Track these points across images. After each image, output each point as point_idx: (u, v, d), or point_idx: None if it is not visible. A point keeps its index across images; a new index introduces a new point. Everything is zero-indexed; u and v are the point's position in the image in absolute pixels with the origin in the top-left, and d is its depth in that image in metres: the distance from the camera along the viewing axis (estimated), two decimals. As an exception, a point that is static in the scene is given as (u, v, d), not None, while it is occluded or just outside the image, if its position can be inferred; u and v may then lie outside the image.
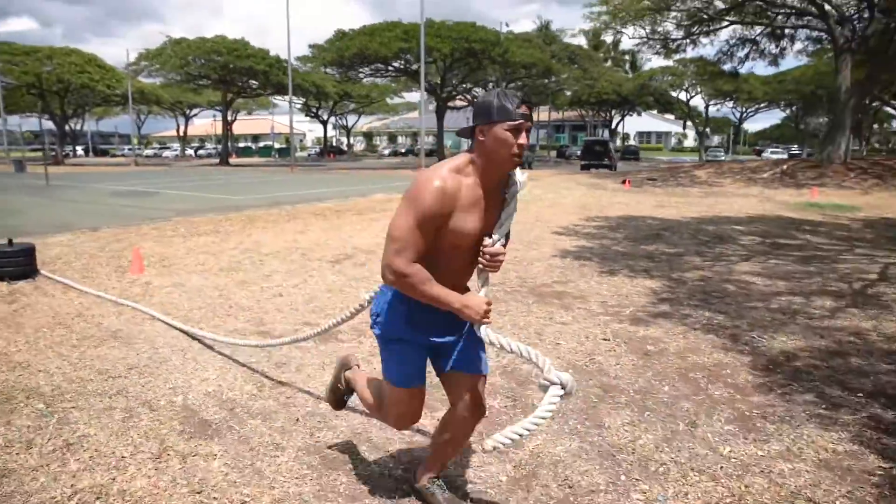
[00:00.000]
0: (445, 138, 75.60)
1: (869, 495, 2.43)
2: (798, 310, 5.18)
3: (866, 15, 22.77)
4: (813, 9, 24.00)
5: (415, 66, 29.47)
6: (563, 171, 32.07)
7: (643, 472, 2.57)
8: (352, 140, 78.31)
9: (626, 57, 60.97)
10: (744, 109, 68.86)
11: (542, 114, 63.08)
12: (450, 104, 39.82)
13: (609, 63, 57.34)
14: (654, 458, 2.70)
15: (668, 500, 2.35)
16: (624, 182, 21.24)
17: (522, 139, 1.86)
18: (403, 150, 63.52)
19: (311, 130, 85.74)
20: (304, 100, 53.01)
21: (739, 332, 4.54)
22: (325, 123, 58.74)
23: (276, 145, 64.90)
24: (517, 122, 1.84)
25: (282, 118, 69.49)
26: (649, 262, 7.18)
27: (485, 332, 1.94)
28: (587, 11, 27.25)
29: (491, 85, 41.21)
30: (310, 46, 37.84)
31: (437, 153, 39.75)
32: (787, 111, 68.77)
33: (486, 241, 1.97)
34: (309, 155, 66.13)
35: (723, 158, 43.24)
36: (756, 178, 21.16)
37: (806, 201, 15.62)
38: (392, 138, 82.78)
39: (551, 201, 14.81)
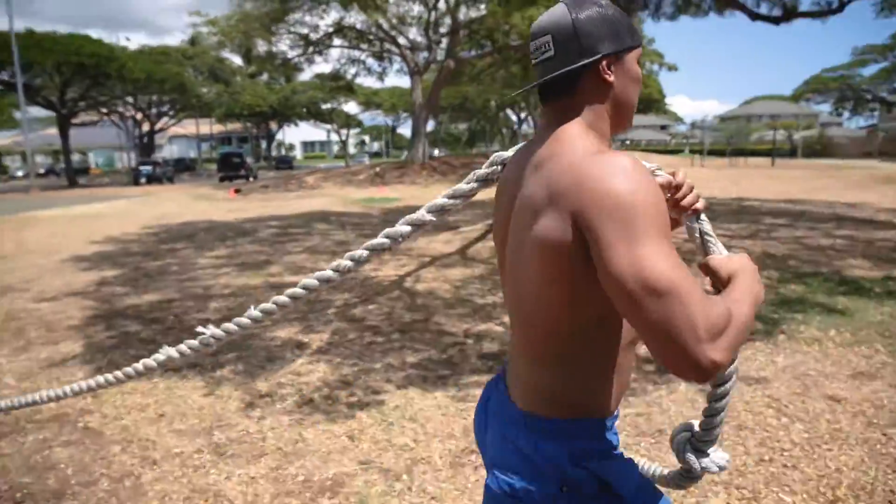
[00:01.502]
0: (97, 155, 69.87)
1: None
2: (177, 271, 7.58)
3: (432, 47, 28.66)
4: (393, 39, 29.18)
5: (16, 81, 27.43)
6: (202, 183, 33.00)
7: None
8: (-27, 163, 66.87)
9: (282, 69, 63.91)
10: (396, 117, 78.63)
11: (203, 127, 62.55)
12: (74, 120, 37.37)
13: (265, 75, 59.29)
14: None
15: None
16: (233, 191, 23.28)
17: None
18: (42, 171, 56.88)
19: (-87, 154, 70.46)
20: None
21: (121, 292, 6.67)
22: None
23: None
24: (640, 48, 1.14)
25: None
26: (143, 258, 9.09)
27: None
28: (192, 27, 28.49)
29: (130, 98, 39.84)
30: None
31: (66, 171, 37.04)
32: (440, 118, 79.96)
33: (678, 175, 1.17)
34: None
35: (366, 162, 48.51)
36: (353, 180, 25.12)
37: (369, 197, 19.46)
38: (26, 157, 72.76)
39: (131, 213, 16.00)
